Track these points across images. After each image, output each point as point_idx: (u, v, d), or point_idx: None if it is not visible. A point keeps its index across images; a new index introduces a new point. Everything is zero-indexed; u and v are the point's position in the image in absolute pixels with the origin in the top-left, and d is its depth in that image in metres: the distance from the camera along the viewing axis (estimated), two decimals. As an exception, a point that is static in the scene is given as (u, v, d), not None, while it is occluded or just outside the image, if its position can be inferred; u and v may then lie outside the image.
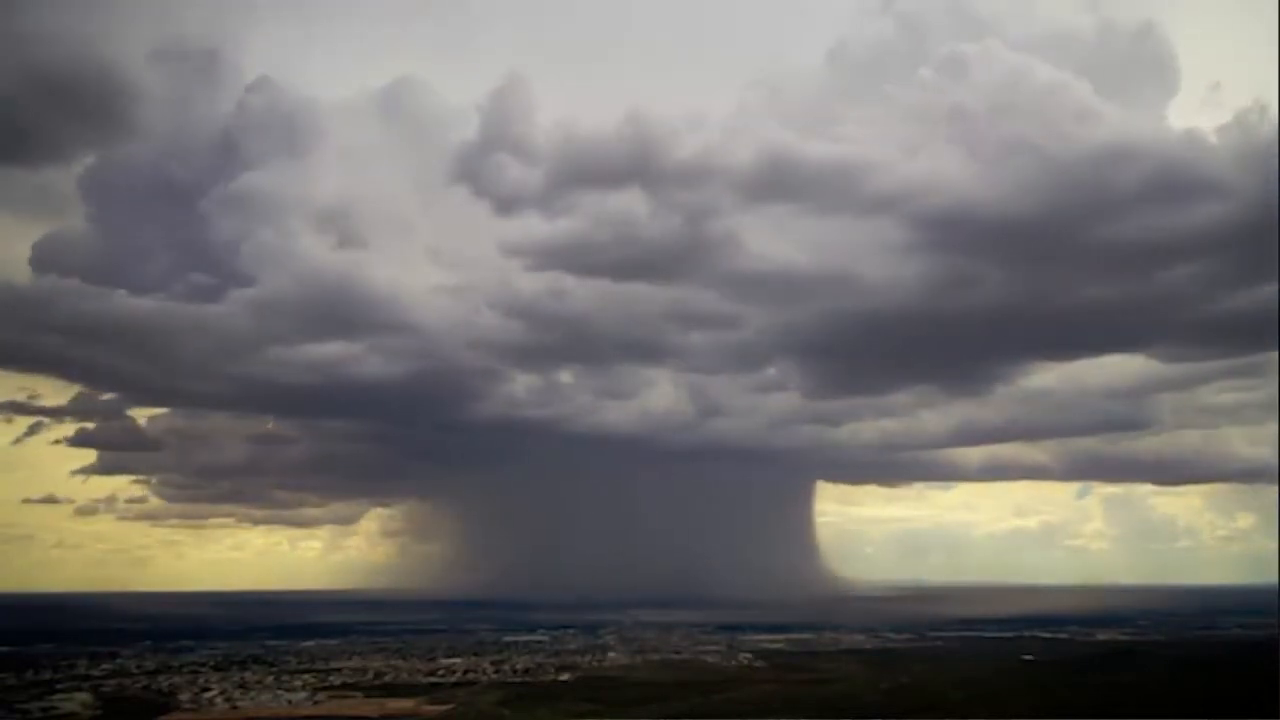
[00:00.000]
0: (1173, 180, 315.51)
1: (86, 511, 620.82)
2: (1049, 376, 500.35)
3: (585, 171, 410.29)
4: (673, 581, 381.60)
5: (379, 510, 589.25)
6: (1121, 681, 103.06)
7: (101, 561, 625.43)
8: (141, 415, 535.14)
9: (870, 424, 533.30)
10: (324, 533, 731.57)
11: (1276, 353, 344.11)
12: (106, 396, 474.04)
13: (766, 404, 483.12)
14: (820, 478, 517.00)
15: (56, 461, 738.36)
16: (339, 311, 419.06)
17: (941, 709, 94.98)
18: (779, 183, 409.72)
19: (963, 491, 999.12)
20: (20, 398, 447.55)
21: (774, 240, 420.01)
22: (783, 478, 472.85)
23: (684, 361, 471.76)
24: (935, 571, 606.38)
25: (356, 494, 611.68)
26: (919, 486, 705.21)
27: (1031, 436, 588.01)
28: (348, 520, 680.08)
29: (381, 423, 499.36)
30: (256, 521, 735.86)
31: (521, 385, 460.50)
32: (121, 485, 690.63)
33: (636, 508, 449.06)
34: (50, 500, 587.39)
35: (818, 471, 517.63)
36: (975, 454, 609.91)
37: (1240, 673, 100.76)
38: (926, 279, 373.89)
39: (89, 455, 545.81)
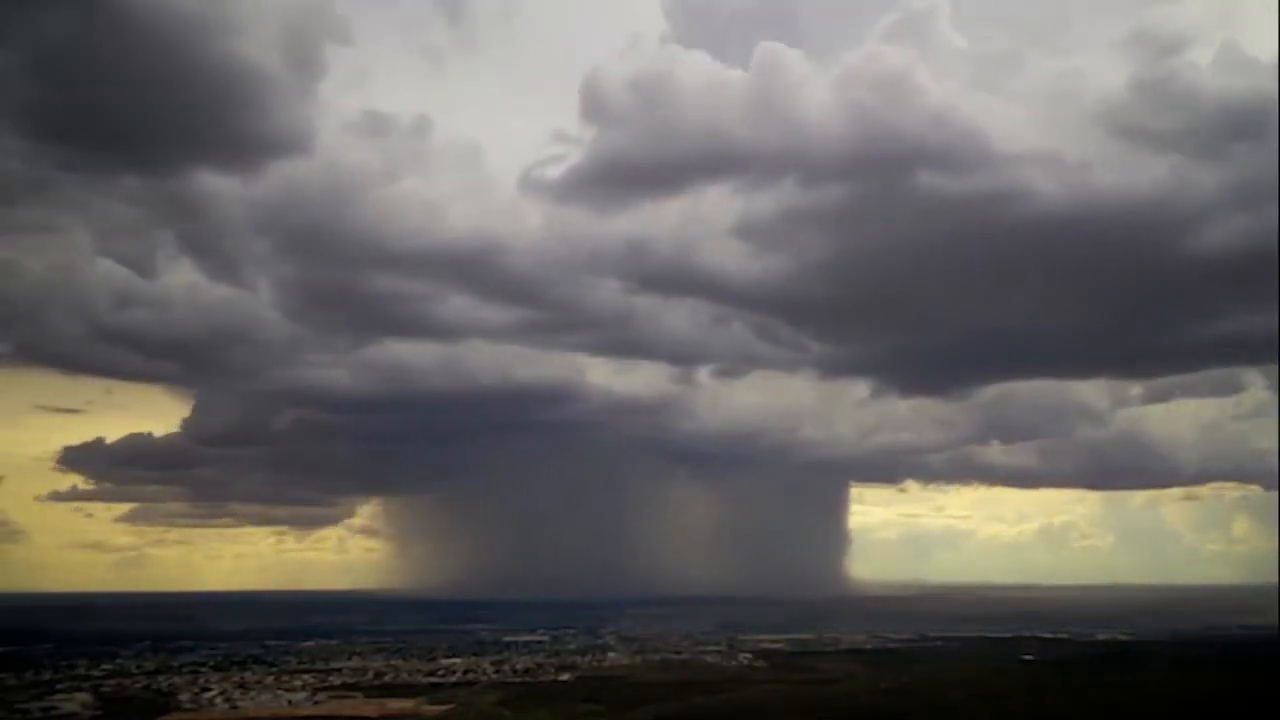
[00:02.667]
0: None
1: (87, 512, 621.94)
2: (1052, 384, 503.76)
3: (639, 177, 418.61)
4: (691, 582, 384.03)
5: (380, 510, 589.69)
6: (1121, 681, 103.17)
7: (102, 562, 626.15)
8: (147, 415, 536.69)
9: (876, 425, 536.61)
10: (325, 533, 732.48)
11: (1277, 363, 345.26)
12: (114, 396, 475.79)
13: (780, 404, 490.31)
14: (825, 478, 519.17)
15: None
16: (376, 315, 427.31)
17: (941, 709, 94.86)
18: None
19: (966, 493, 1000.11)
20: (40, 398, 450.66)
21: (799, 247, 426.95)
22: (800, 479, 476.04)
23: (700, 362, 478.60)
24: (937, 572, 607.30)
25: (358, 494, 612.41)
26: (921, 488, 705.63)
27: (1034, 440, 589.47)
28: (349, 520, 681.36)
29: (387, 422, 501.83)
30: (258, 522, 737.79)
31: (533, 384, 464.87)
32: (122, 486, 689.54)
33: (640, 508, 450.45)
34: (52, 500, 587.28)
35: (824, 473, 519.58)
36: (978, 457, 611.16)
37: (1240, 673, 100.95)
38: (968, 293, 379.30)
39: (91, 454, 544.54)
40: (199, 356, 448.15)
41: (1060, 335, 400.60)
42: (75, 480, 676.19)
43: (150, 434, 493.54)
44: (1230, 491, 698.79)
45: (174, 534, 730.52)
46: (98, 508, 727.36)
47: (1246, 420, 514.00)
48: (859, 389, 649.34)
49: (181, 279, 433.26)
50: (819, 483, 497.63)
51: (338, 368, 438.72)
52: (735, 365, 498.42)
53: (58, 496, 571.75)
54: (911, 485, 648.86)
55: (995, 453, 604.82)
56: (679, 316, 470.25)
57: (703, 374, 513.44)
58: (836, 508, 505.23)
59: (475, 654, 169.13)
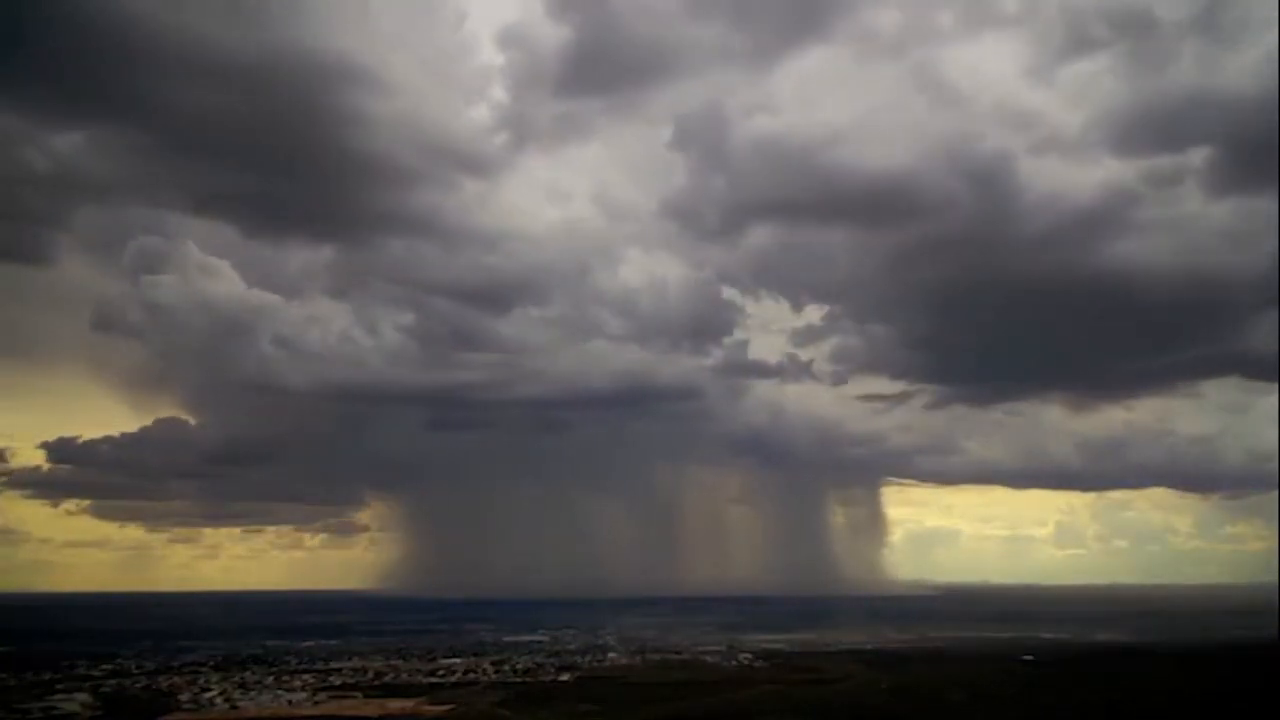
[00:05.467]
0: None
1: (88, 512, 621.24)
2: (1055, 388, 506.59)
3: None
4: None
5: (381, 511, 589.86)
6: (1121, 681, 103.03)
7: (102, 562, 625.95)
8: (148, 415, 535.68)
9: (878, 425, 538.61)
10: (325, 533, 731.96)
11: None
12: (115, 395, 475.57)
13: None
14: (834, 478, 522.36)
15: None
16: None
17: (942, 709, 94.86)
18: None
19: (967, 493, 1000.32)
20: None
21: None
22: (802, 480, 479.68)
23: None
24: (937, 572, 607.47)
25: (361, 494, 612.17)
26: (926, 489, 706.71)
27: (1037, 443, 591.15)
28: (351, 520, 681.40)
29: (394, 419, 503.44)
30: (256, 522, 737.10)
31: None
32: (122, 485, 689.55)
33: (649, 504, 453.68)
34: (49, 499, 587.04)
35: (832, 473, 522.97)
36: (980, 457, 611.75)
37: (1240, 673, 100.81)
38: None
39: (91, 453, 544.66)
40: (206, 355, 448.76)
41: (1072, 353, 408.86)
42: (74, 479, 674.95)
43: (151, 434, 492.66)
44: (1230, 492, 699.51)
45: (174, 534, 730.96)
46: (97, 506, 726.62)
47: (1246, 422, 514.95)
48: (862, 389, 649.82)
49: (208, 278, 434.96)
50: (818, 482, 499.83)
51: (351, 366, 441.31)
52: (757, 369, 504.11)
53: (54, 495, 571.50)
54: (913, 485, 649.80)
55: (996, 453, 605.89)
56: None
57: (711, 376, 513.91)
58: (840, 506, 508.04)
59: (475, 654, 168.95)
